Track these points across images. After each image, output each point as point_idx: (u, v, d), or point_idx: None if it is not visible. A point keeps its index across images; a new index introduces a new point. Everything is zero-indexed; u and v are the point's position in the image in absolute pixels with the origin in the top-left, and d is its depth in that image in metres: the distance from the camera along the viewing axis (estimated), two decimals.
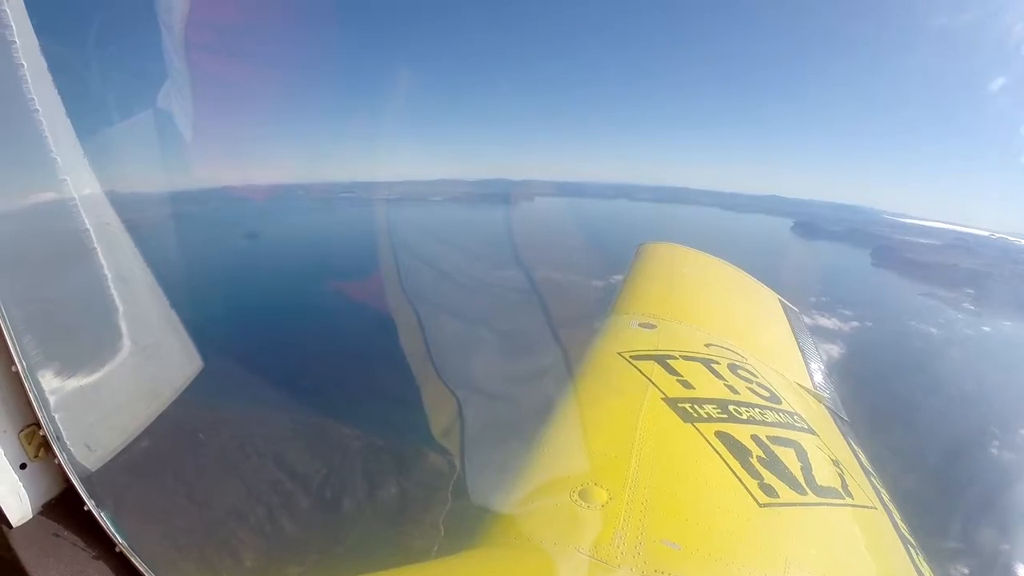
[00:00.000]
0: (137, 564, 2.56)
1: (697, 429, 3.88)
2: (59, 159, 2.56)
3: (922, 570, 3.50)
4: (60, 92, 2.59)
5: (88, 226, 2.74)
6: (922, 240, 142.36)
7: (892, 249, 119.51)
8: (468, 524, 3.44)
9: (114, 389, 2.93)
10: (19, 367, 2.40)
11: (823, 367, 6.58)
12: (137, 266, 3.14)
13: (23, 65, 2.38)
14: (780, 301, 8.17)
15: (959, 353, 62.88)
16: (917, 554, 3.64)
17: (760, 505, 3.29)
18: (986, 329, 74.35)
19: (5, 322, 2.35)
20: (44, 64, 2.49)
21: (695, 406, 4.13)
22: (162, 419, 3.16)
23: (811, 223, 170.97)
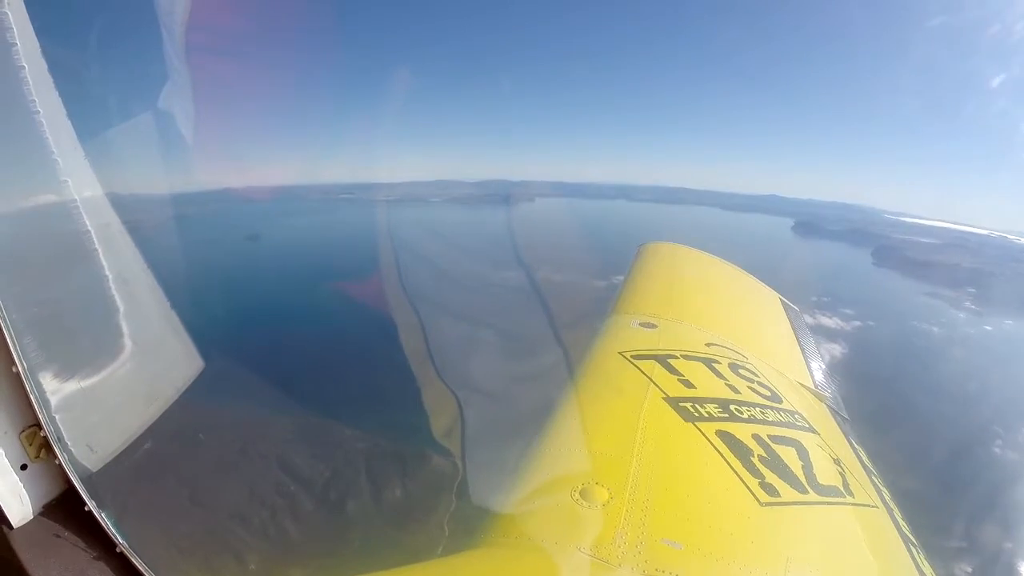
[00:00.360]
0: (138, 565, 2.57)
1: (698, 428, 3.89)
2: (60, 161, 2.57)
3: (923, 568, 3.50)
4: (61, 94, 2.59)
5: (89, 227, 2.75)
6: (923, 239, 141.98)
7: (893, 248, 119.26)
8: (472, 525, 3.44)
9: (115, 390, 2.94)
10: (20, 368, 2.40)
11: (824, 366, 6.59)
12: (138, 267, 3.15)
13: (24, 67, 2.38)
14: (781, 300, 8.17)
15: (961, 352, 62.74)
16: (918, 552, 3.65)
17: (761, 504, 3.29)
18: (988, 328, 74.19)
19: (6, 323, 2.35)
20: (45, 66, 2.50)
21: (696, 405, 4.14)
22: (163, 420, 3.17)
23: (811, 223, 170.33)
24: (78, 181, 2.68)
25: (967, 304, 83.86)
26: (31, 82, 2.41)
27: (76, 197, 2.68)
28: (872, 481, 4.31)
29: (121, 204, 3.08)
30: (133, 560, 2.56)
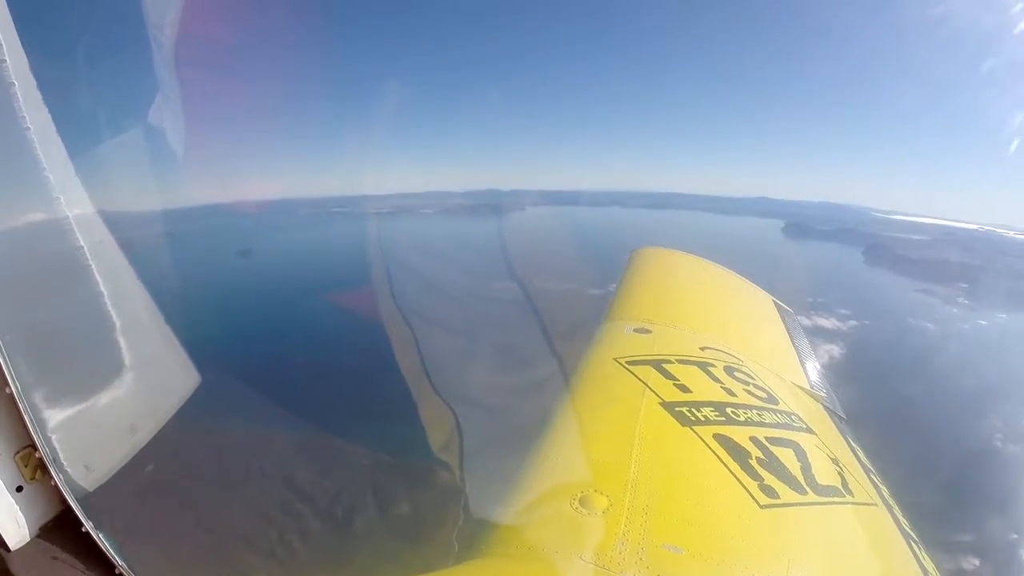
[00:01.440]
0: None
1: (695, 432, 3.88)
2: (51, 177, 2.56)
3: (924, 564, 3.51)
4: (50, 111, 2.58)
5: (82, 244, 2.74)
6: (913, 237, 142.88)
7: (884, 247, 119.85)
8: (477, 537, 3.43)
9: (110, 409, 2.91)
10: (13, 389, 2.38)
11: (819, 367, 6.60)
12: (131, 284, 3.13)
13: (15, 84, 2.38)
14: (774, 302, 8.19)
15: (957, 347, 63.11)
16: (919, 548, 3.65)
17: (761, 506, 3.29)
18: (982, 322, 74.71)
19: (3, 348, 2.33)
20: (35, 83, 2.49)
21: (692, 409, 4.14)
22: (160, 438, 3.14)
23: (802, 224, 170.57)
24: (70, 198, 2.68)
25: (960, 300, 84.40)
26: (21, 99, 2.40)
27: (68, 214, 2.67)
28: (871, 479, 4.32)
29: (112, 221, 3.07)
30: None
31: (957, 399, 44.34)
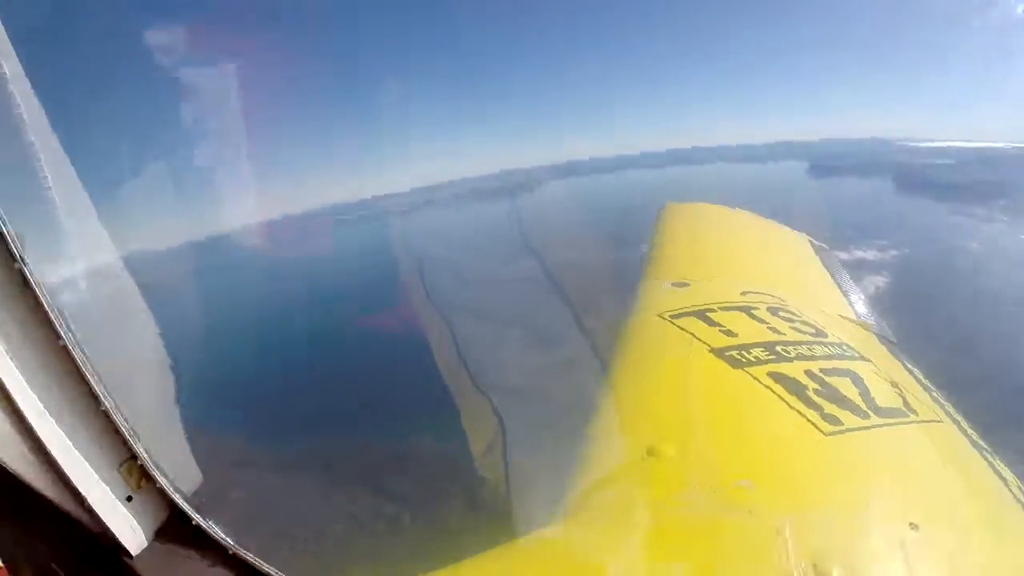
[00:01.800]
0: (252, 561, 2.71)
1: (749, 373, 3.91)
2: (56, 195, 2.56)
3: (1001, 472, 3.49)
4: (50, 122, 2.56)
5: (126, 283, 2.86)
6: (941, 161, 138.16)
7: (914, 174, 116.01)
8: (550, 500, 3.51)
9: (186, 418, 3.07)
10: (108, 405, 2.51)
11: (863, 297, 6.55)
12: (176, 303, 3.24)
13: (19, 103, 2.38)
14: (810, 241, 8.11)
15: (1003, 265, 61.27)
16: (994, 458, 3.63)
17: (825, 435, 3.31)
18: None
19: (90, 366, 2.46)
20: (39, 104, 2.49)
21: (742, 352, 4.16)
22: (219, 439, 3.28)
23: (827, 162, 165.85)
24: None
25: (1000, 217, 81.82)
26: (23, 110, 2.38)
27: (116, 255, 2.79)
28: (933, 397, 4.29)
29: (138, 264, 3.16)
30: (247, 558, 2.71)
31: (1010, 315, 43.23)
